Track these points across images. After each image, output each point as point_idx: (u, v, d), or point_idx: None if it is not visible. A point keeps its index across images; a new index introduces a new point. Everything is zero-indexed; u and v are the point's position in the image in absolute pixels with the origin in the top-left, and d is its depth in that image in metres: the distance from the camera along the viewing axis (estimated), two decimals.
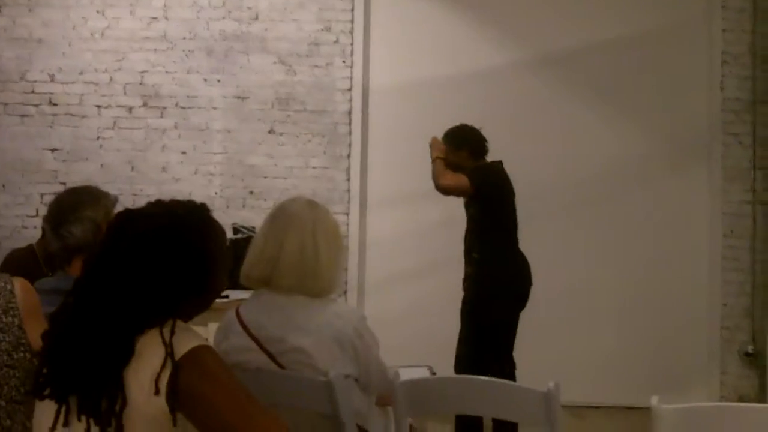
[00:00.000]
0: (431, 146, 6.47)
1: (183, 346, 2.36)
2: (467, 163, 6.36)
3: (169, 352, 2.33)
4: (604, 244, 8.35)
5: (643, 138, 8.43)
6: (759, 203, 8.36)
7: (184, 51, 8.58)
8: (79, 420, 2.32)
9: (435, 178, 6.36)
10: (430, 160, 6.42)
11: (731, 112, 8.47)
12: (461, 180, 6.27)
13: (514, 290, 6.32)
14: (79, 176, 8.15)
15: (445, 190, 6.36)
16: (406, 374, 3.64)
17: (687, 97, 8.47)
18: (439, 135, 6.50)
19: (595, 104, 8.44)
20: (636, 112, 8.46)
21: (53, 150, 8.49)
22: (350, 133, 8.51)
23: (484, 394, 3.48)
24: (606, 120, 8.41)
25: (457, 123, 6.54)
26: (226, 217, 7.74)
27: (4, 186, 8.46)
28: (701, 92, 8.49)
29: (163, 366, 2.31)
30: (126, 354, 2.33)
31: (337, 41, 8.58)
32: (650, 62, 8.48)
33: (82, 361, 2.35)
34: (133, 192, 8.12)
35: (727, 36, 8.49)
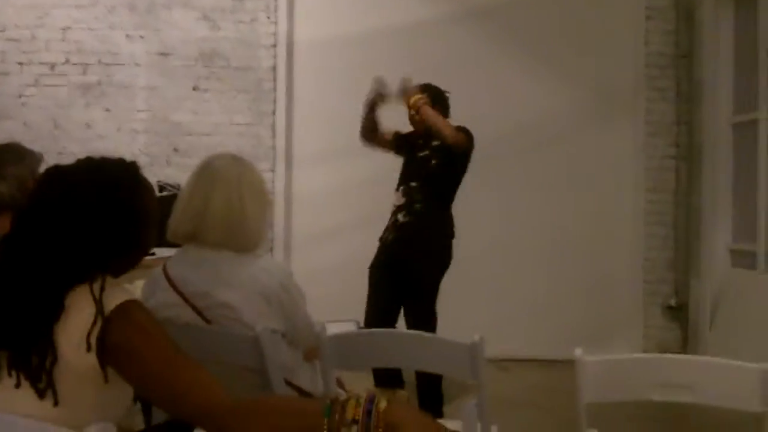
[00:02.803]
0: (407, 91, 6.21)
1: (112, 301, 2.36)
2: None
3: (99, 308, 2.33)
4: (528, 197, 8.42)
5: (568, 92, 8.49)
6: (682, 158, 8.46)
7: (106, 7, 8.48)
8: (10, 375, 2.31)
9: (443, 129, 6.10)
10: (367, 111, 6.33)
11: (655, 67, 8.55)
12: (462, 135, 6.18)
13: (449, 246, 6.36)
14: (1, 134, 8.04)
15: (456, 144, 6.14)
16: (333, 329, 3.66)
17: (611, 51, 8.54)
18: (365, 89, 6.43)
19: (521, 58, 8.48)
20: (561, 67, 8.52)
21: None
22: (275, 89, 8.48)
23: (410, 347, 3.52)
24: (531, 74, 8.45)
25: (383, 76, 6.43)
26: (151, 175, 7.59)
27: None
28: (625, 47, 8.56)
29: (94, 322, 2.31)
30: (56, 310, 2.32)
31: None
32: (575, 17, 8.53)
33: (12, 317, 2.33)
34: (57, 149, 8.03)
35: None
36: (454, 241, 6.34)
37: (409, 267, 6.23)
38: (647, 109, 8.54)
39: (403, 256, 6.28)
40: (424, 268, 6.25)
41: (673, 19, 8.53)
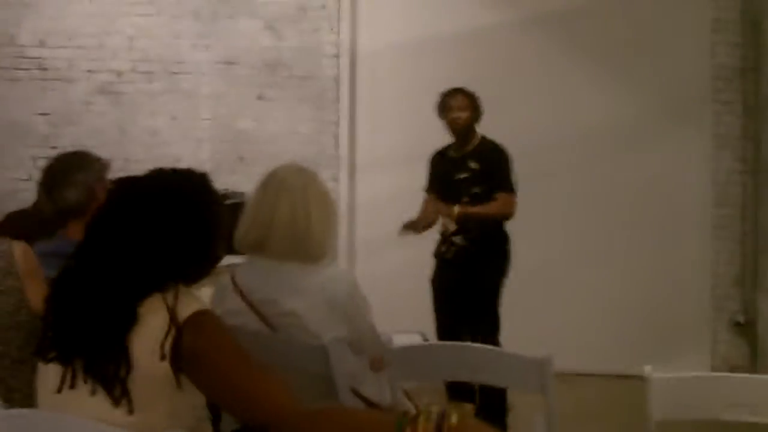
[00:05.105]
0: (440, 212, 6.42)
1: (185, 310, 2.41)
2: (473, 121, 6.40)
3: (173, 317, 2.37)
4: (592, 210, 8.28)
5: (632, 104, 8.34)
6: (748, 172, 8.34)
7: (171, 16, 8.53)
8: (85, 383, 2.35)
9: (496, 214, 6.34)
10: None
11: (721, 80, 8.38)
12: (512, 199, 6.38)
13: (508, 250, 6.47)
14: (68, 140, 8.14)
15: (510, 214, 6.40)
16: (400, 340, 3.67)
17: (677, 63, 8.38)
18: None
19: (585, 67, 8.36)
20: (625, 78, 8.37)
21: (44, 114, 8.47)
22: (338, 98, 8.48)
23: (478, 360, 3.51)
24: (596, 84, 8.32)
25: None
26: (216, 183, 7.70)
27: None
28: (691, 59, 8.39)
29: (168, 330, 2.36)
30: (130, 319, 2.38)
31: (324, 6, 8.52)
32: (640, 27, 8.39)
33: (87, 326, 2.39)
34: (123, 156, 8.04)
35: (718, 2, 8.41)
36: (517, 253, 6.38)
37: (470, 276, 6.32)
38: (713, 122, 8.40)
39: (463, 268, 6.37)
40: (484, 276, 6.36)
41: (740, 31, 8.38)
